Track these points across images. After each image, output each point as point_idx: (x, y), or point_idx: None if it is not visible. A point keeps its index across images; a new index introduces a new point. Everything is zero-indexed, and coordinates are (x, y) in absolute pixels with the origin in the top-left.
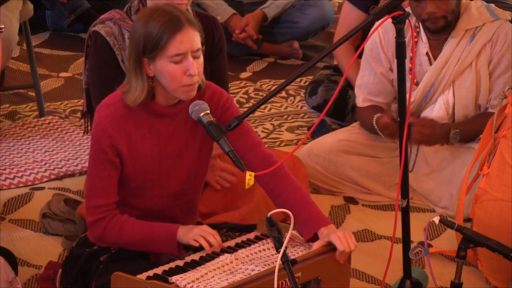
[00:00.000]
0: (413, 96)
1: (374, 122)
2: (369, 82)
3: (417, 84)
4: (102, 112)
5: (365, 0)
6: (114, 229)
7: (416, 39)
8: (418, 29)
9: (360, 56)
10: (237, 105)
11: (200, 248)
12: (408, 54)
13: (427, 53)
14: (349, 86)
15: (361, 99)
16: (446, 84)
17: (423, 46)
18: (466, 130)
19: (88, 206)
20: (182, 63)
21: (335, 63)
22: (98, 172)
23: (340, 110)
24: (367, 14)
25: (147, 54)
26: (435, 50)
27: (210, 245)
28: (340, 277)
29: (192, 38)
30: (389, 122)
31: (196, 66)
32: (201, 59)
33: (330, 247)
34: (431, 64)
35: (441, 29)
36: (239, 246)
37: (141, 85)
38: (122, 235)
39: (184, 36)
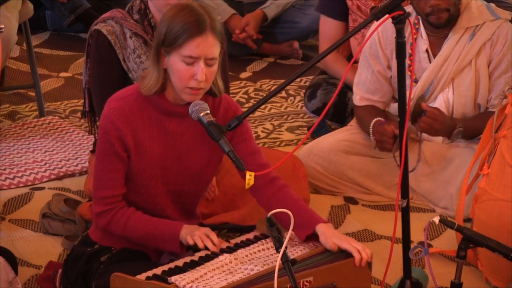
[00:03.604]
0: (412, 93)
1: (371, 126)
2: (367, 80)
3: (416, 81)
4: (111, 105)
5: (337, 9)
6: (120, 221)
7: (415, 36)
8: (417, 26)
9: (356, 61)
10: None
11: (200, 248)
12: (407, 51)
13: (426, 50)
14: (348, 88)
15: (359, 97)
16: (445, 82)
17: (423, 43)
18: (471, 126)
19: (95, 197)
20: (193, 66)
21: None
22: (105, 164)
23: (340, 112)
24: (342, 22)
25: (165, 46)
26: (434, 47)
27: (206, 247)
28: (360, 284)
29: (210, 46)
30: (391, 132)
31: (207, 73)
32: (215, 67)
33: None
34: (430, 61)
35: (444, 24)
36: (238, 246)
37: (157, 74)
38: (127, 228)
39: (202, 41)
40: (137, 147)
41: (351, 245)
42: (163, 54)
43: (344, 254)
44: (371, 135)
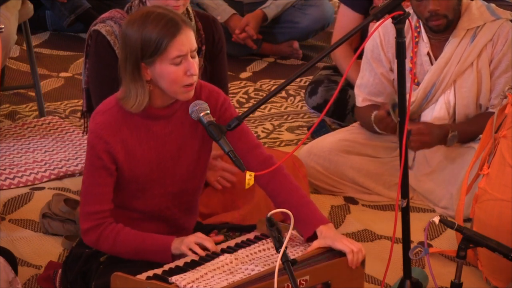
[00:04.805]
0: (414, 96)
1: (372, 118)
2: (369, 83)
3: (417, 84)
4: (97, 119)
5: (360, 1)
6: (110, 236)
7: (416, 39)
8: (419, 29)
9: (360, 57)
10: (237, 105)
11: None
12: (409, 54)
13: (428, 53)
14: (349, 86)
15: (361, 99)
16: (447, 84)
17: (424, 46)
18: (465, 130)
19: (83, 213)
20: (182, 64)
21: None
22: (94, 179)
23: (340, 110)
24: (362, 16)
25: (146, 58)
26: (436, 50)
27: (206, 249)
28: (353, 282)
29: (190, 38)
30: (383, 115)
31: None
32: (197, 58)
33: (329, 248)
34: (432, 64)
35: (443, 29)
36: (239, 246)
37: (142, 90)
38: (117, 243)
39: (184, 37)
40: (128, 156)
41: (346, 245)
42: (144, 67)
43: (339, 252)
44: (374, 125)
